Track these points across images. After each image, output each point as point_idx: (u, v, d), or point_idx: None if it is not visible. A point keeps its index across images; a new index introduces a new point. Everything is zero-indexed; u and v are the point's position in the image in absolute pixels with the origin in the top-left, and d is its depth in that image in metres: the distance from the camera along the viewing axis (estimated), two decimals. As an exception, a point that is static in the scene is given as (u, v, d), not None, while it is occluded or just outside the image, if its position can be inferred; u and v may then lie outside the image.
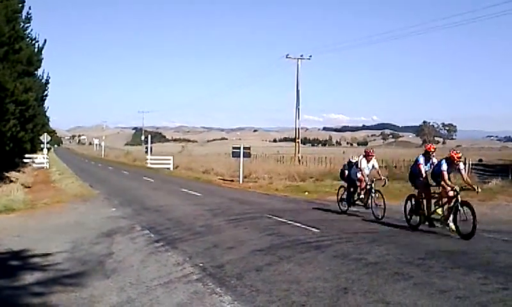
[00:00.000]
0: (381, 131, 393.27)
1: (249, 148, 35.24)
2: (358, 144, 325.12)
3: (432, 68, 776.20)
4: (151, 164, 57.83)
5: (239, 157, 33.86)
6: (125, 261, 9.85)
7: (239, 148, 34.28)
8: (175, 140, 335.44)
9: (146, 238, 12.58)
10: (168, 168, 54.07)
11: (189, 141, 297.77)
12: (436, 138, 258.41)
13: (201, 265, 9.35)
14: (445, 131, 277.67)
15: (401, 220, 15.65)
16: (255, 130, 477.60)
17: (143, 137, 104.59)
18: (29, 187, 27.75)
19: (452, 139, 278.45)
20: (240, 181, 33.11)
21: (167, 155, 63.28)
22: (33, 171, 44.64)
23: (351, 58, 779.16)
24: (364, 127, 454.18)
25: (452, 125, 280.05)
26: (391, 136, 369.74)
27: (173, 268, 9.12)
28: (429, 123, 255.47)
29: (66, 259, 9.93)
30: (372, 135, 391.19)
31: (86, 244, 11.76)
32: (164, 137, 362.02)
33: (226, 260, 9.72)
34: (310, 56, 48.97)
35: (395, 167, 34.94)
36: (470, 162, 37.00)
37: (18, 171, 39.24)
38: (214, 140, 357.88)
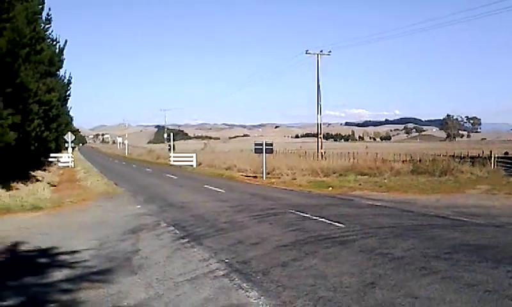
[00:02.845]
0: (404, 125, 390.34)
1: (271, 144, 35.17)
2: (381, 138, 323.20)
3: (456, 61, 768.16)
4: (174, 161, 58.15)
5: (262, 153, 33.84)
6: (152, 257, 9.92)
7: (261, 144, 34.22)
8: (197, 137, 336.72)
9: (172, 234, 12.65)
10: (191, 165, 54.26)
11: (211, 138, 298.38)
12: (460, 131, 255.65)
13: (226, 260, 9.38)
14: (470, 124, 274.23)
15: (427, 214, 15.55)
16: (276, 127, 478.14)
17: (165, 135, 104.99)
18: (55, 186, 28.08)
19: (477, 132, 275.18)
20: (263, 178, 33.06)
21: (189, 152, 63.52)
22: (58, 169, 45.16)
23: (372, 52, 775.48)
24: (387, 122, 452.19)
25: (476, 118, 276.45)
26: (414, 130, 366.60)
27: (199, 264, 9.17)
28: (453, 116, 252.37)
29: (94, 256, 10.04)
30: (395, 130, 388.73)
31: (112, 241, 11.88)
32: (186, 134, 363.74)
33: (251, 256, 9.74)
34: (330, 51, 48.68)
35: (420, 161, 34.59)
36: (496, 155, 36.52)
37: (44, 170, 39.71)
38: (236, 137, 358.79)
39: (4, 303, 6.94)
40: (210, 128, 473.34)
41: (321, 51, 48.25)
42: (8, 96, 18.82)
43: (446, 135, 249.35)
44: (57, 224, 14.67)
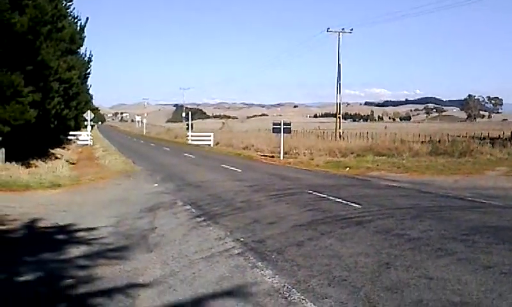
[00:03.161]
0: (424, 105, 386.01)
1: (289, 124, 35.03)
2: (401, 119, 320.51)
3: (478, 40, 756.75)
4: (192, 140, 58.27)
5: (280, 132, 33.75)
6: (168, 235, 9.99)
7: (279, 124, 34.12)
8: (215, 116, 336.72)
9: (188, 213, 12.71)
10: (209, 144, 54.37)
11: (229, 117, 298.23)
12: (481, 112, 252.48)
13: (242, 239, 9.40)
14: (491, 104, 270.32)
15: (445, 196, 15.43)
16: (295, 106, 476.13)
17: (183, 114, 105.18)
18: (73, 164, 28.34)
19: (498, 112, 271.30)
20: (281, 157, 33.05)
21: (207, 131, 63.67)
22: (77, 147, 45.54)
23: (394, 31, 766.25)
24: (407, 101, 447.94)
25: (498, 98, 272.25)
26: (434, 110, 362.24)
27: (214, 243, 9.20)
28: (474, 96, 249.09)
29: (111, 234, 10.13)
30: (415, 110, 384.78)
31: (129, 218, 11.97)
32: (205, 113, 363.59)
33: (267, 235, 9.75)
34: (352, 29, 48.19)
35: (439, 142, 34.28)
36: (517, 137, 36.07)
37: (63, 147, 40.11)
38: (254, 116, 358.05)
39: (22, 278, 7.04)
40: (229, 108, 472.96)
41: (343, 29, 47.76)
42: (28, 73, 18.94)
43: (467, 116, 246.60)
44: (76, 202, 14.82)
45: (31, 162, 22.87)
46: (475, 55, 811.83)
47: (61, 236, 9.92)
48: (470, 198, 14.82)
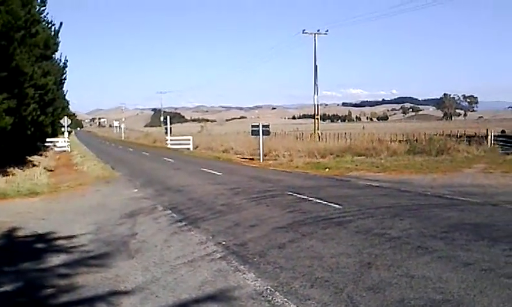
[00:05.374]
0: (400, 105, 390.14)
1: (268, 126, 34.97)
2: (378, 119, 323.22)
3: (453, 39, 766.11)
4: (171, 144, 58.01)
5: (258, 135, 33.73)
6: (149, 241, 9.92)
7: (258, 126, 34.08)
8: (194, 120, 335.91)
9: (169, 218, 12.64)
10: (188, 148, 54.18)
11: (208, 120, 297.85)
12: (457, 110, 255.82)
13: (224, 243, 9.38)
14: (466, 103, 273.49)
15: (423, 194, 15.58)
16: (273, 108, 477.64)
17: (162, 118, 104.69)
18: (51, 171, 28.00)
19: (474, 111, 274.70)
20: (260, 160, 33.01)
21: (186, 135, 63.36)
22: (55, 154, 45.02)
23: (370, 31, 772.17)
24: (384, 101, 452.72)
25: (473, 96, 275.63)
26: (411, 110, 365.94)
27: (196, 247, 9.17)
28: (450, 95, 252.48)
29: (91, 241, 10.03)
30: (392, 110, 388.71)
31: (109, 225, 11.87)
32: (183, 117, 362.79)
33: (248, 238, 9.75)
34: (327, 31, 48.52)
35: (416, 140, 34.62)
36: (493, 134, 36.55)
37: (41, 155, 39.60)
38: (233, 119, 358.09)
39: (1, 289, 6.94)
40: (207, 111, 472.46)
41: (318, 31, 48.14)
42: (3, 80, 18.68)
43: (443, 115, 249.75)
44: (54, 209, 14.65)
45: (8, 170, 22.56)
46: (450, 54, 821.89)
47: (40, 245, 9.80)
48: (448, 196, 14.98)
